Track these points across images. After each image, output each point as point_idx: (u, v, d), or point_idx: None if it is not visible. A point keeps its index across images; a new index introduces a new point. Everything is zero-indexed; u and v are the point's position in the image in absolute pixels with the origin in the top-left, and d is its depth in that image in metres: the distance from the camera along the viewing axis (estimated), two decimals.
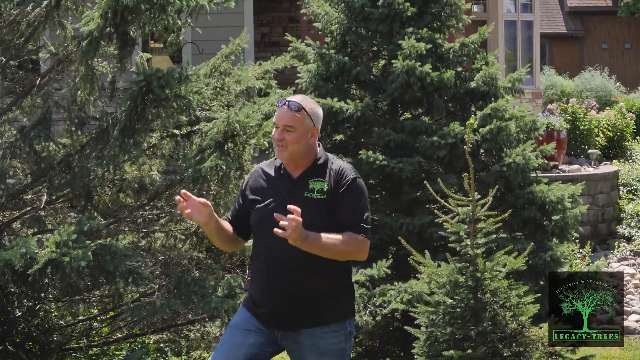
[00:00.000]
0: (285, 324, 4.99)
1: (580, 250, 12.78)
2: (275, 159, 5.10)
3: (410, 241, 8.45)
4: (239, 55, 7.63)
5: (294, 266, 4.89)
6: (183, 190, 4.91)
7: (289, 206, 4.69)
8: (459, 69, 9.57)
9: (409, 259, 6.31)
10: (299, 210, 4.68)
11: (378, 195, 9.35)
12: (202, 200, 4.92)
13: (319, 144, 5.08)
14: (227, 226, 5.11)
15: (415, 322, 6.39)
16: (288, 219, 4.64)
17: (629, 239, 14.46)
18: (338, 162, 5.03)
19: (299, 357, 5.05)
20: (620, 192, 15.56)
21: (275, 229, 4.67)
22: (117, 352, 8.14)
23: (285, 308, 4.95)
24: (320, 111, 5.06)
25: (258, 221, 4.98)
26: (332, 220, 4.90)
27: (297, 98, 5.02)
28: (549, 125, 15.03)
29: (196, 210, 4.90)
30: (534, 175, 9.31)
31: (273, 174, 5.05)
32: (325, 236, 4.81)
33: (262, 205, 4.98)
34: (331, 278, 4.99)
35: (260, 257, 5.00)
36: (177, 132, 7.40)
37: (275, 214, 4.71)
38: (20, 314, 7.44)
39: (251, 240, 5.22)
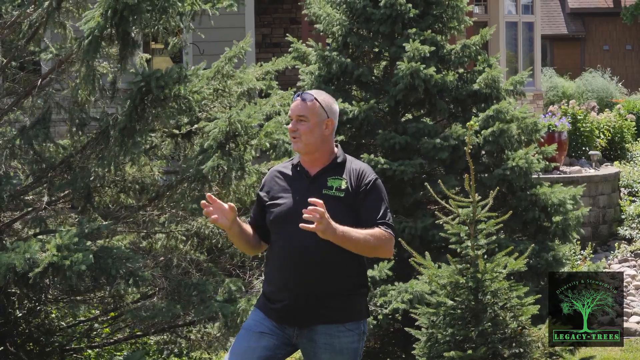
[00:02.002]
0: (301, 319, 4.98)
1: (582, 252, 12.78)
2: (292, 159, 5.16)
3: (413, 243, 8.47)
4: (242, 59, 7.64)
5: (312, 263, 4.91)
6: (208, 194, 4.91)
7: (311, 199, 4.68)
8: (460, 70, 9.57)
9: (409, 260, 6.31)
10: (321, 202, 4.67)
11: None
12: (229, 204, 4.93)
13: (337, 144, 5.12)
14: (250, 230, 5.11)
15: (416, 323, 6.40)
16: (310, 210, 4.64)
17: (629, 241, 14.46)
18: (358, 163, 5.09)
19: (313, 355, 5.05)
20: (621, 194, 15.56)
21: (302, 224, 4.67)
22: (118, 353, 8.14)
23: (302, 304, 4.95)
24: (335, 106, 5.11)
25: (275, 219, 5.01)
26: (350, 218, 4.90)
27: (311, 91, 5.10)
28: (550, 126, 15.04)
29: (221, 215, 4.91)
30: (535, 176, 9.32)
31: (290, 173, 5.09)
32: (356, 230, 4.82)
33: (278, 203, 5.01)
34: (348, 276, 5.01)
35: (278, 254, 5.01)
36: (177, 132, 7.41)
37: (304, 210, 4.70)
38: (20, 315, 7.44)
39: None
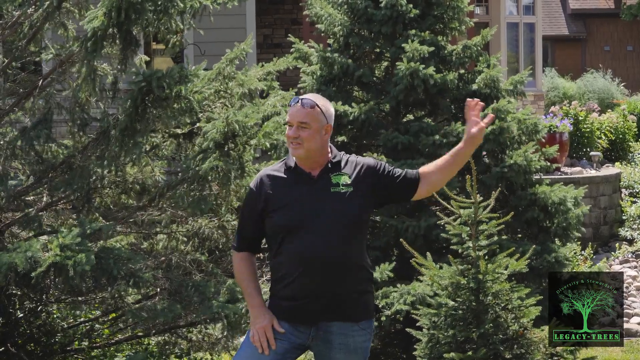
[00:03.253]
0: (319, 317, 4.96)
1: (582, 252, 12.77)
2: (285, 162, 5.10)
3: (415, 243, 8.47)
4: (243, 60, 7.63)
5: (331, 265, 4.89)
6: (271, 340, 4.97)
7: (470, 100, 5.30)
8: (462, 71, 9.57)
9: (411, 260, 6.31)
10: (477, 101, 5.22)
11: None
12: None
13: (331, 145, 5.11)
14: (256, 272, 5.16)
15: (417, 324, 6.40)
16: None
17: (630, 241, 14.45)
18: (348, 156, 5.13)
19: (327, 356, 5.03)
20: (622, 195, 15.56)
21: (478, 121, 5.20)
22: (119, 354, 8.13)
23: (321, 303, 4.94)
24: (332, 110, 5.09)
25: (285, 224, 4.94)
26: (363, 205, 4.96)
27: (310, 96, 5.04)
28: (552, 127, 15.05)
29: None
30: (537, 177, 9.32)
31: (286, 176, 5.03)
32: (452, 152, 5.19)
33: (286, 208, 4.95)
34: (363, 274, 5.03)
35: (292, 260, 4.94)
36: (178, 132, 7.40)
37: (468, 100, 5.18)
38: (21, 315, 7.44)
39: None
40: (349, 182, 4.98)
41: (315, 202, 4.91)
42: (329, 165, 5.02)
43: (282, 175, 5.04)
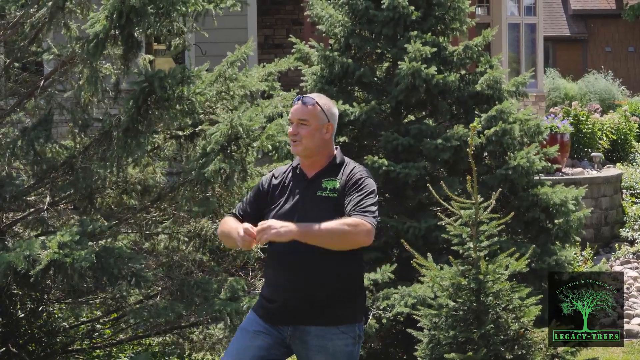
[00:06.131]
0: (294, 319, 4.99)
1: (582, 253, 12.77)
2: (293, 162, 5.17)
3: (416, 244, 8.47)
4: (245, 62, 7.63)
5: (307, 264, 4.92)
6: (248, 234, 4.84)
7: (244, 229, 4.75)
8: (463, 71, 9.57)
9: (412, 261, 6.32)
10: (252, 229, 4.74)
11: (382, 198, 9.35)
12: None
13: (337, 147, 5.14)
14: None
15: (418, 324, 6.41)
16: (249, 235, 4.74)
17: (631, 242, 14.45)
18: (352, 165, 5.09)
19: (306, 357, 5.05)
20: (623, 195, 15.56)
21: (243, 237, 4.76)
22: (121, 354, 8.14)
23: (296, 305, 4.97)
24: (335, 110, 5.13)
25: None
26: (340, 217, 4.89)
27: (312, 95, 5.13)
28: (553, 128, 15.05)
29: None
30: (537, 178, 9.33)
31: (290, 175, 5.12)
32: (318, 223, 4.78)
33: (276, 205, 5.05)
34: (345, 280, 5.02)
35: (274, 256, 5.04)
36: (180, 133, 7.41)
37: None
38: (22, 315, 7.45)
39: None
40: (336, 187, 4.99)
41: (299, 204, 4.98)
42: (327, 168, 5.05)
43: (284, 174, 5.14)
